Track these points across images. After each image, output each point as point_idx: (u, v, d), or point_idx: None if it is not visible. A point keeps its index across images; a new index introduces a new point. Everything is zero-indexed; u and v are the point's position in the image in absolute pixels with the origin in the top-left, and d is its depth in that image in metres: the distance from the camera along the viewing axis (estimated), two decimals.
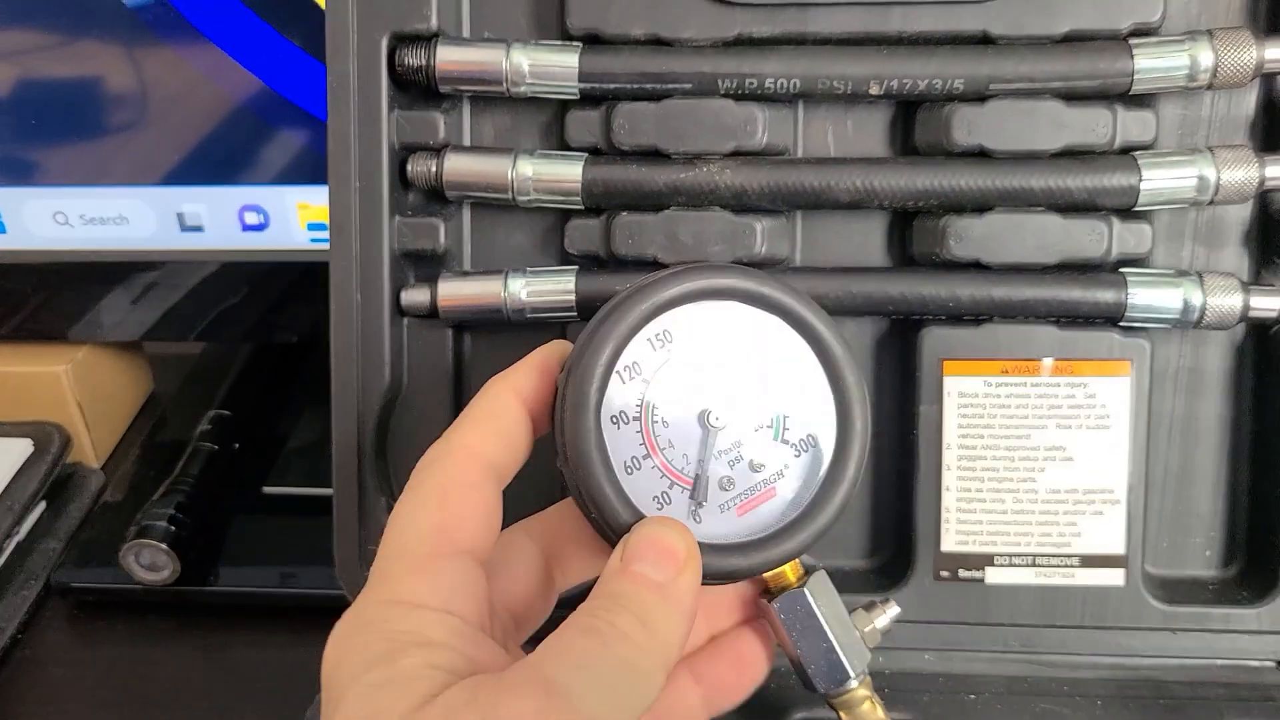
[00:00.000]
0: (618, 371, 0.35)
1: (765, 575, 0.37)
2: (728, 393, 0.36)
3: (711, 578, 0.34)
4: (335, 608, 0.51)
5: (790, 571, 0.37)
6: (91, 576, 0.56)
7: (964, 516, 0.47)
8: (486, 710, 0.27)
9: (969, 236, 0.45)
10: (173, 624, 0.56)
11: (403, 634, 0.30)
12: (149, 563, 0.54)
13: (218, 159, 0.58)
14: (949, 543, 0.47)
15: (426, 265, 0.49)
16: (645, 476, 0.34)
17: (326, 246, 0.48)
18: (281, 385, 0.69)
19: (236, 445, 0.63)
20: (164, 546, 0.54)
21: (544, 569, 0.38)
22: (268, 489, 0.62)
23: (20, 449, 0.61)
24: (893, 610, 0.38)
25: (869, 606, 0.38)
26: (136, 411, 0.71)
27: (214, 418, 0.63)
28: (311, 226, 0.60)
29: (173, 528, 0.55)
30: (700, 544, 0.34)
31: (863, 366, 0.48)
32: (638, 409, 0.35)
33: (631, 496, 0.34)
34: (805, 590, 0.37)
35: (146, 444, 0.67)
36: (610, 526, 0.34)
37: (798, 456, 0.37)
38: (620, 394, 0.35)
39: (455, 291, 0.48)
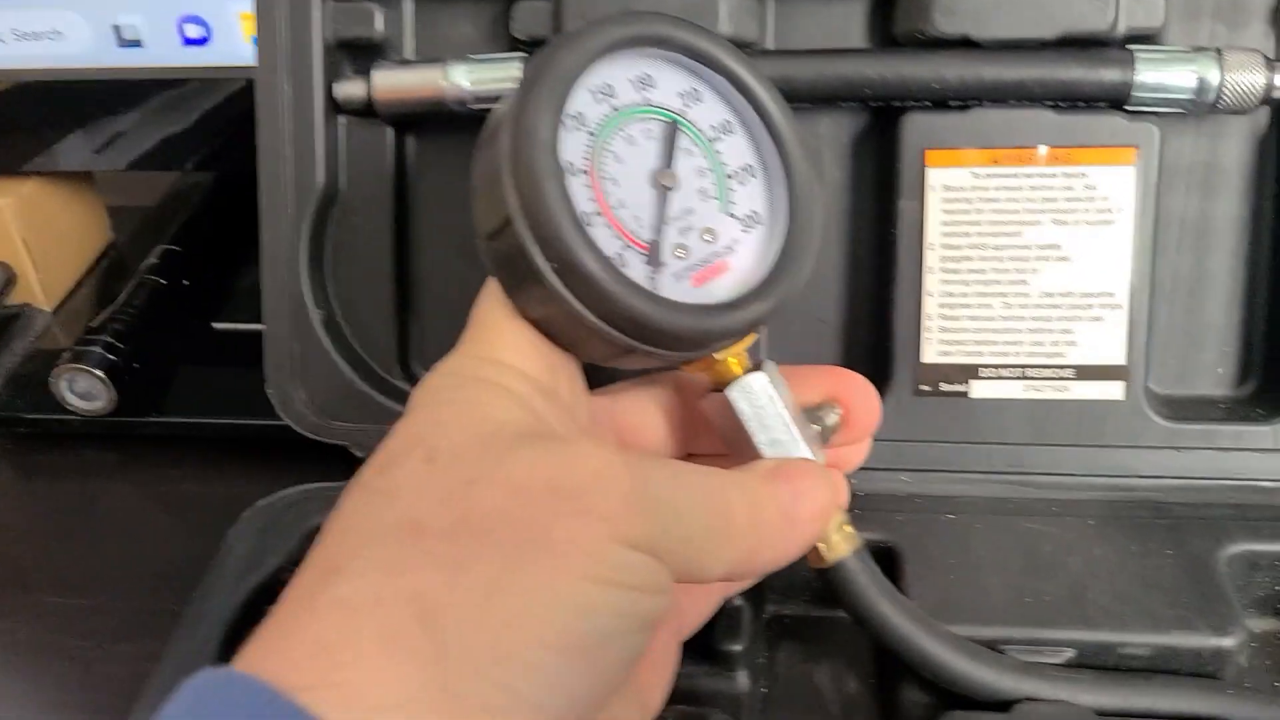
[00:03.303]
0: (564, 118, 0.31)
1: (715, 365, 0.33)
2: (674, 155, 0.33)
3: (686, 341, 0.31)
4: (281, 439, 0.49)
5: (737, 365, 0.33)
6: (26, 407, 0.53)
7: (947, 324, 0.42)
8: (558, 460, 0.27)
9: (958, 9, 0.40)
10: (114, 458, 0.53)
11: (483, 379, 0.30)
12: (83, 391, 0.51)
13: None
14: (930, 354, 0.42)
15: (365, 56, 0.45)
16: (598, 235, 0.30)
17: None
18: (240, 222, 0.65)
19: (186, 281, 0.59)
20: (99, 374, 0.51)
21: (668, 413, 0.36)
22: (218, 325, 0.58)
23: None
24: (838, 410, 0.35)
25: (816, 406, 0.35)
26: (93, 259, 0.68)
27: (162, 253, 0.60)
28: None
29: (110, 356, 0.51)
30: (675, 302, 0.31)
31: (841, 164, 0.44)
32: (586, 161, 0.31)
33: None
34: (763, 373, 0.33)
35: (100, 289, 0.64)
36: (575, 273, 0.29)
37: (745, 231, 0.33)
38: (567, 142, 0.31)
39: (392, 82, 0.44)
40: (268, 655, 0.25)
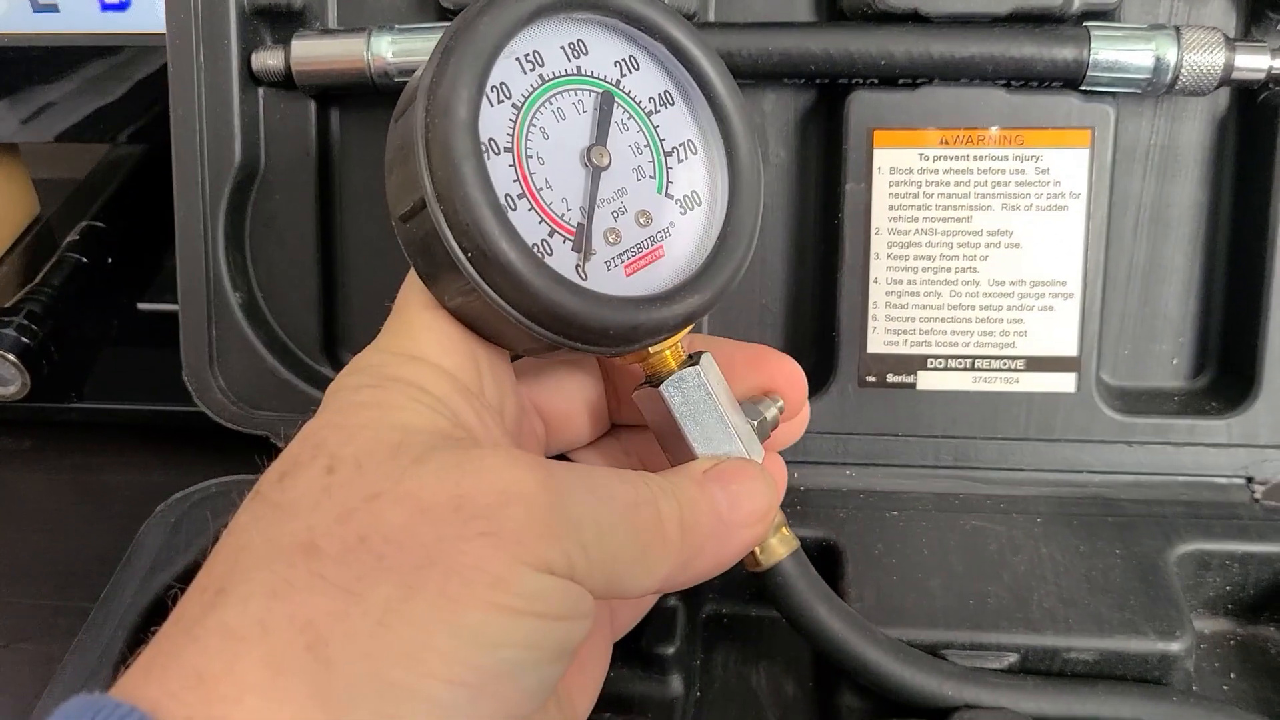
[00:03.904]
0: (486, 91, 0.28)
1: (649, 359, 0.31)
2: (608, 130, 0.30)
3: (615, 337, 0.29)
4: (206, 427, 0.46)
5: (672, 358, 0.31)
6: None
7: (894, 313, 0.41)
8: (466, 474, 0.25)
9: None
10: (28, 445, 0.51)
11: (397, 378, 0.28)
12: None
13: None
14: (876, 343, 0.41)
15: (284, 24, 0.43)
16: (522, 220, 0.28)
17: None
18: (169, 198, 0.63)
19: (110, 259, 0.57)
20: (11, 357, 0.48)
21: (596, 390, 0.34)
22: (143, 306, 0.56)
23: None
24: (780, 402, 0.33)
25: (755, 399, 0.33)
26: (18, 234, 0.65)
27: (85, 229, 0.57)
28: None
29: (23, 339, 0.49)
30: (603, 295, 0.28)
31: (786, 144, 0.42)
32: (509, 138, 0.29)
33: None
34: (698, 369, 0.31)
35: (26, 265, 0.61)
36: (493, 264, 0.27)
37: (683, 214, 0.31)
38: (489, 117, 0.28)
39: (312, 52, 0.41)
40: (147, 683, 0.23)
